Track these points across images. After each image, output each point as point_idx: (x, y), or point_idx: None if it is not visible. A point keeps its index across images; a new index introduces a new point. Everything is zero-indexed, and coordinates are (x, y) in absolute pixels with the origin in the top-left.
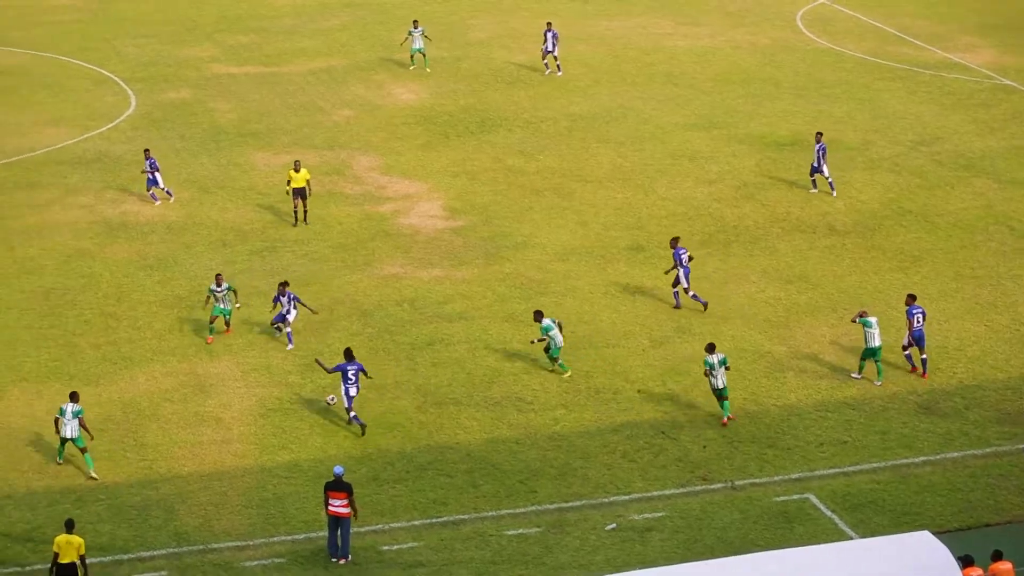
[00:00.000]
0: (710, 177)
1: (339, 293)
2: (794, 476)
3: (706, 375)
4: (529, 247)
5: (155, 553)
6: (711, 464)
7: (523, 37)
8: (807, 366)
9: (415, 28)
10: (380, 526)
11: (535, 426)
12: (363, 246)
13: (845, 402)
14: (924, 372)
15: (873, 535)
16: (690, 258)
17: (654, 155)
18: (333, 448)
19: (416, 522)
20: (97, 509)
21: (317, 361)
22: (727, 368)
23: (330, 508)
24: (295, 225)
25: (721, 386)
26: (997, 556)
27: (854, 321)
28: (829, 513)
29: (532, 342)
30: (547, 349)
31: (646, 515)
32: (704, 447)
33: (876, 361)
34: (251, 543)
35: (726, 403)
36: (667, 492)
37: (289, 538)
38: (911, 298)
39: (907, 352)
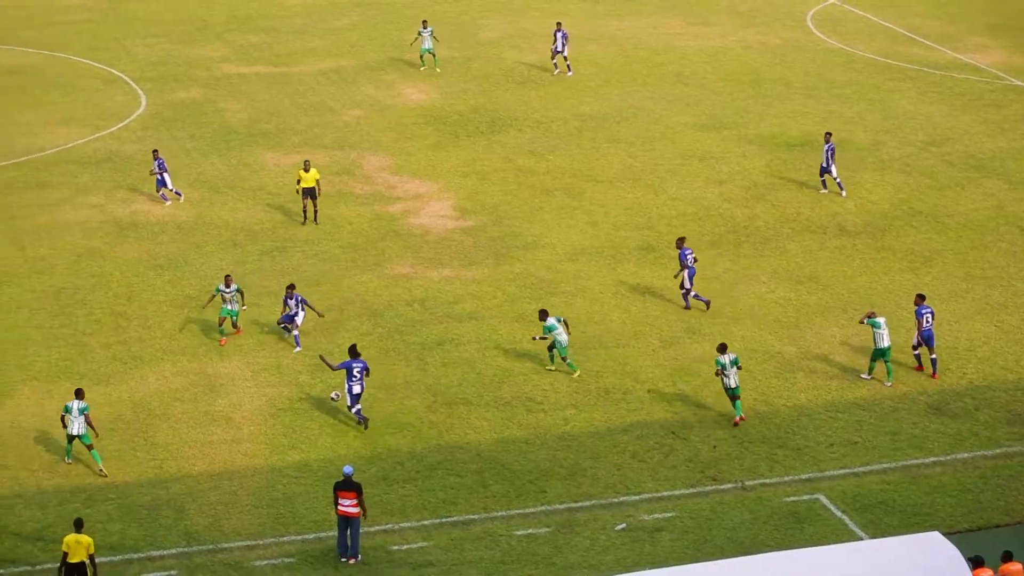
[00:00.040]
0: (720, 177)
1: (349, 293)
2: (804, 476)
3: (717, 375)
4: (539, 247)
5: (165, 552)
6: (721, 464)
7: (534, 37)
8: (817, 367)
9: (424, 28)
10: (390, 526)
11: (545, 426)
12: (373, 246)
13: (855, 403)
14: (934, 372)
15: (883, 536)
16: (695, 259)
17: (664, 155)
18: (343, 448)
19: (426, 522)
20: (107, 508)
21: (321, 358)
22: (739, 368)
23: (340, 508)
24: (304, 224)
25: (733, 386)
26: (1007, 557)
27: (862, 322)
28: (839, 514)
29: (534, 338)
30: (551, 347)
31: (656, 515)
32: (714, 447)
33: (886, 362)
34: (261, 543)
35: (738, 403)
36: (677, 492)
37: (299, 538)
38: (920, 298)
39: (916, 352)
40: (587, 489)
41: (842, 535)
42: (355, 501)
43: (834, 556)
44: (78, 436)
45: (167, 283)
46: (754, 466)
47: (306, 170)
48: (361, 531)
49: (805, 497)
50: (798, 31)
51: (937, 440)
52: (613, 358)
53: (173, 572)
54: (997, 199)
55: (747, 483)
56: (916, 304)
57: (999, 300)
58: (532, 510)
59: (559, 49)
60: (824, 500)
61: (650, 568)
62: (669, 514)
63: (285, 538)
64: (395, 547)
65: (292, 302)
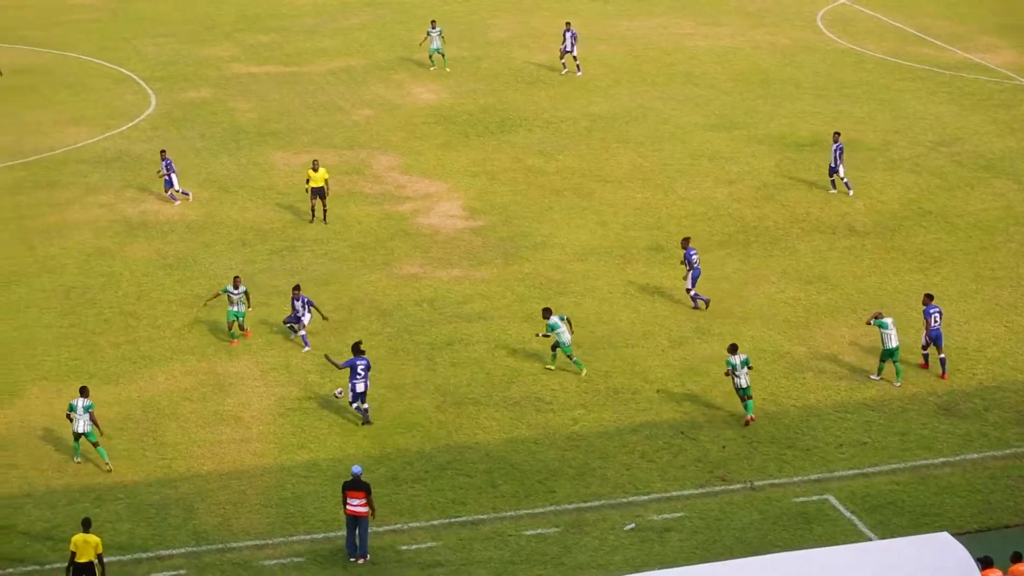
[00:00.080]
0: (730, 177)
1: (358, 293)
2: (813, 477)
3: (728, 375)
4: (548, 247)
5: (174, 552)
6: (730, 464)
7: (543, 37)
8: (826, 367)
9: (433, 28)
10: (399, 526)
11: (554, 426)
12: (382, 245)
13: (864, 403)
14: (943, 372)
15: (892, 536)
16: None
17: (674, 155)
18: (352, 447)
19: (435, 522)
20: (116, 508)
21: (327, 357)
22: (750, 368)
23: (348, 507)
24: (311, 222)
25: (745, 385)
26: (1016, 558)
27: (869, 323)
28: (848, 514)
29: (537, 335)
30: (555, 347)
31: (665, 515)
32: (723, 447)
33: (895, 362)
34: (270, 542)
35: (750, 402)
36: (686, 492)
37: (308, 537)
38: (928, 298)
39: (925, 352)
40: (596, 489)
41: (851, 536)
42: (364, 501)
43: (843, 557)
44: (84, 434)
45: (176, 282)
46: (763, 466)
47: (315, 169)
48: (370, 531)
49: (814, 497)
50: (808, 31)
51: (946, 441)
52: (622, 358)
53: (182, 571)
54: (1007, 199)
55: (756, 483)
56: (924, 304)
57: (1009, 300)
58: (541, 510)
59: (568, 49)
60: (833, 500)
61: (659, 568)
62: (678, 514)
63: (294, 537)
64: (404, 547)
65: (298, 303)
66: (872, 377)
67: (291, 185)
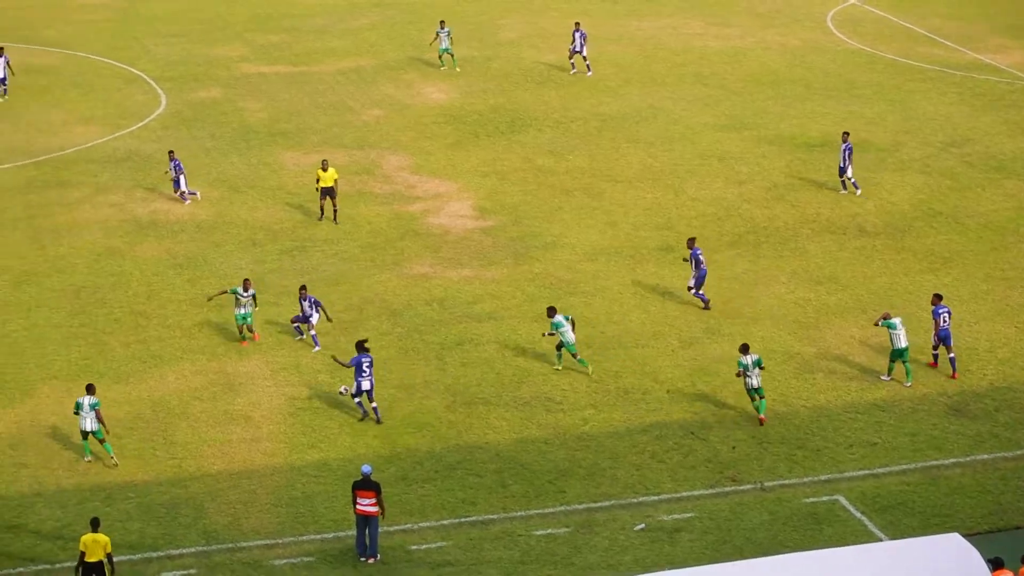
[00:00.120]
0: (740, 178)
1: (368, 293)
2: (823, 477)
3: (738, 376)
4: (558, 247)
5: (184, 551)
6: (740, 465)
7: (553, 37)
8: (836, 367)
9: (441, 28)
10: (408, 525)
11: (564, 426)
12: (392, 246)
13: (875, 403)
14: (953, 372)
15: (903, 537)
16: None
17: (684, 155)
18: (362, 447)
19: (445, 522)
20: (126, 507)
21: (333, 358)
22: (761, 368)
23: (358, 507)
24: (320, 220)
25: (757, 386)
26: None
27: (877, 324)
28: (858, 515)
29: (544, 335)
30: (560, 347)
31: (675, 516)
32: (733, 448)
33: (904, 362)
34: (280, 542)
35: (763, 402)
36: (696, 493)
37: (318, 537)
38: (937, 298)
39: (935, 352)
40: (606, 489)
41: (861, 536)
42: (373, 500)
43: (853, 557)
44: (91, 432)
45: (187, 282)
46: (773, 467)
47: (324, 169)
48: (380, 530)
49: (824, 498)
50: (818, 32)
51: (957, 441)
52: (632, 358)
53: (192, 571)
54: (1018, 200)
55: (766, 484)
56: (933, 304)
57: (1019, 301)
58: (551, 510)
59: (577, 49)
60: (843, 501)
61: (669, 568)
62: (688, 514)
63: (304, 537)
64: (414, 547)
65: (306, 304)
66: (882, 378)
67: (301, 185)
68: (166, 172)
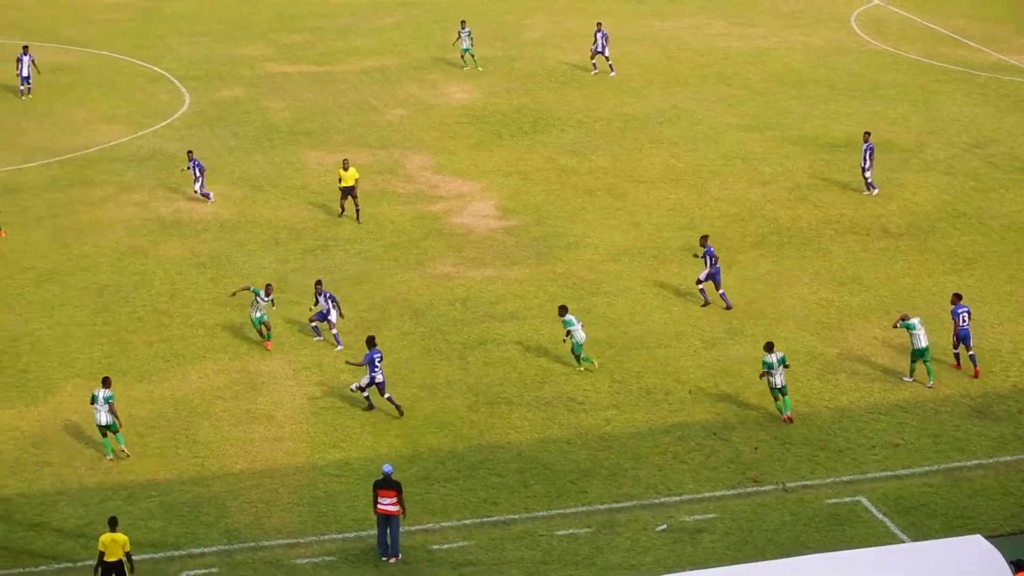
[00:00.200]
0: (763, 178)
1: (391, 292)
2: (846, 478)
3: (762, 377)
4: (581, 247)
5: (206, 550)
6: (762, 466)
7: (577, 37)
8: (859, 368)
9: (463, 28)
10: (430, 525)
11: (586, 426)
12: (415, 245)
13: (897, 404)
14: (975, 368)
15: (925, 538)
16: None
17: (707, 156)
18: (384, 447)
19: (466, 521)
20: (149, 506)
21: (347, 361)
22: (786, 367)
23: (379, 507)
24: (340, 216)
25: (781, 384)
26: None
27: (896, 326)
28: (881, 516)
29: (563, 339)
30: (574, 349)
31: (697, 516)
32: (755, 449)
33: (925, 362)
34: (302, 541)
35: (787, 399)
36: (718, 493)
37: (340, 536)
38: (956, 297)
39: (956, 351)
40: (628, 490)
41: (883, 538)
42: (395, 500)
43: (875, 558)
44: (107, 426)
45: (210, 281)
46: (795, 468)
47: (345, 169)
48: (401, 530)
49: (846, 499)
50: (842, 32)
51: (980, 443)
52: (655, 359)
53: (214, 569)
54: None
55: (788, 485)
56: (953, 303)
57: None
58: (573, 510)
59: (599, 49)
60: (866, 502)
61: (691, 569)
62: (710, 515)
63: (326, 536)
64: (435, 546)
65: (322, 299)
66: (905, 379)
67: (324, 184)
68: (183, 170)
